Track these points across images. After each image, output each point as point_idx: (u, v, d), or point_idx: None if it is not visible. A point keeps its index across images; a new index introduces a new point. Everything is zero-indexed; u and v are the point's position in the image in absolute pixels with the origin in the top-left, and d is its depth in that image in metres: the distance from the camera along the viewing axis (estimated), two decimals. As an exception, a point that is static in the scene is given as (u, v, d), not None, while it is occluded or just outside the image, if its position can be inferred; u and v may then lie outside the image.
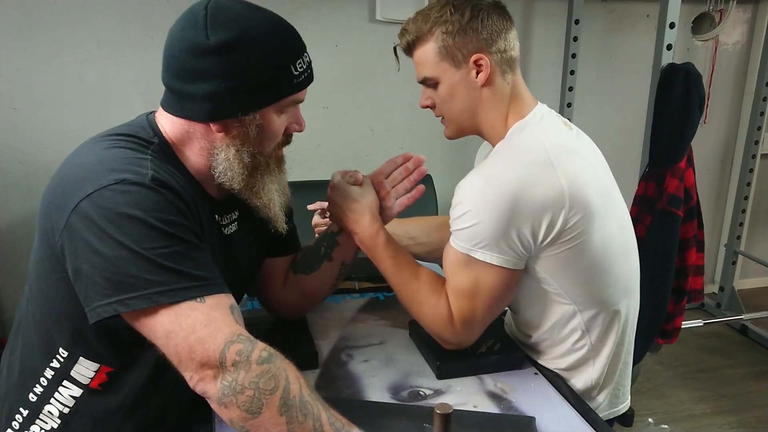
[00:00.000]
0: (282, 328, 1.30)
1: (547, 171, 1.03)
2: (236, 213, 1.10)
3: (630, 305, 1.19)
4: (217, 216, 1.06)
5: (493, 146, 1.16)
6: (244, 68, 0.90)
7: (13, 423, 1.00)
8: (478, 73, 1.10)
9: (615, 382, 1.21)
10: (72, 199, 0.85)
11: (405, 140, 2.80)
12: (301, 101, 1.01)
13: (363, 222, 1.16)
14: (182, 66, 0.91)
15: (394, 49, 1.19)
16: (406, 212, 1.36)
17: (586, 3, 2.75)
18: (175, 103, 0.96)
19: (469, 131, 1.19)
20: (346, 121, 2.72)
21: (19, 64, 2.32)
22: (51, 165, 2.33)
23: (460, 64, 1.10)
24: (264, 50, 0.91)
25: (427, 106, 1.19)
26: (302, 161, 2.67)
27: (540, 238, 1.04)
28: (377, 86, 2.70)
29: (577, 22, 2.74)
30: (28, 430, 0.99)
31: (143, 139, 0.96)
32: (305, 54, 0.98)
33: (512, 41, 1.12)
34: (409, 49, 1.15)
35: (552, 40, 2.87)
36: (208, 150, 0.97)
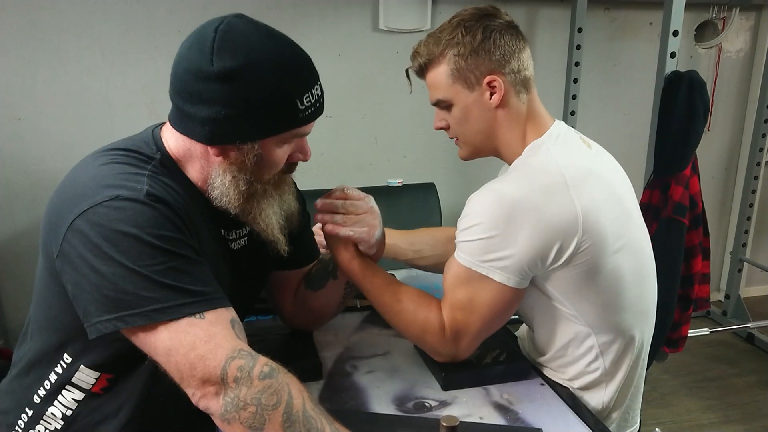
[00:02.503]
0: (286, 340, 1.30)
1: (561, 193, 1.01)
2: (246, 228, 1.09)
3: (645, 330, 1.17)
4: (223, 230, 1.05)
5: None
6: (244, 98, 0.88)
7: (19, 422, 1.01)
8: (491, 94, 1.09)
9: (626, 406, 1.19)
10: (68, 216, 0.85)
11: (408, 149, 2.80)
12: (306, 134, 0.99)
13: (337, 249, 1.14)
14: (185, 87, 0.91)
15: (407, 71, 1.17)
16: (411, 221, 1.36)
17: (588, 11, 2.76)
18: (178, 120, 0.95)
19: (486, 152, 1.17)
20: (349, 130, 2.73)
21: (23, 73, 2.33)
22: (55, 175, 2.34)
23: (473, 86, 1.09)
24: (268, 82, 0.89)
25: (441, 128, 1.17)
26: (305, 170, 2.63)
27: (549, 261, 1.02)
28: (380, 95, 2.71)
29: (580, 30, 2.74)
30: (33, 429, 1.00)
31: (144, 154, 0.95)
32: (316, 87, 0.95)
33: (526, 61, 1.11)
34: (422, 72, 1.14)
35: (555, 48, 2.88)
36: (207, 170, 0.97)
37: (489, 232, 1.01)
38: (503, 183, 1.05)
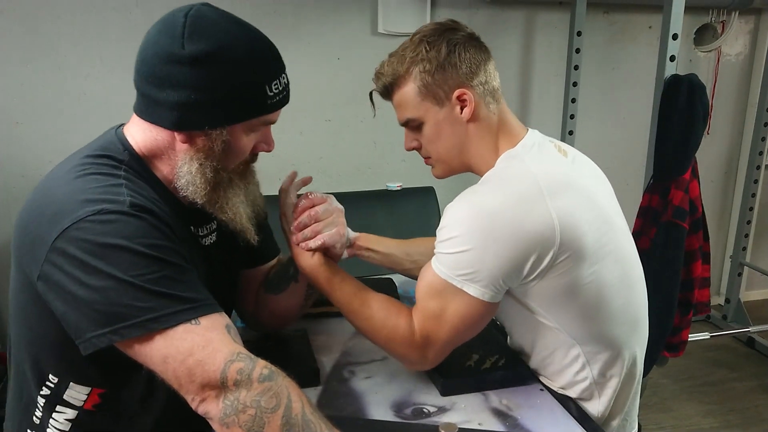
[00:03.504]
0: (283, 345, 1.29)
1: (538, 204, 0.98)
2: (214, 223, 1.08)
3: (635, 339, 1.15)
4: (192, 227, 1.04)
5: None
6: (215, 83, 0.89)
7: None
8: (462, 108, 1.07)
9: (624, 413, 1.17)
10: (48, 236, 0.83)
11: (407, 153, 2.77)
12: (273, 122, 0.99)
13: (302, 257, 1.13)
14: (153, 71, 0.90)
15: (370, 94, 1.16)
16: (410, 226, 1.35)
17: (588, 15, 2.76)
18: (144, 107, 0.94)
19: (459, 169, 1.15)
20: (348, 134, 2.72)
21: (22, 78, 2.33)
22: (53, 179, 2.30)
23: (442, 101, 1.07)
24: (238, 67, 0.89)
25: (413, 149, 1.16)
26: (304, 174, 2.66)
27: (524, 273, 1.00)
28: (380, 99, 2.70)
29: (579, 33, 2.74)
30: None
31: (113, 157, 0.94)
32: (283, 76, 0.96)
33: (492, 72, 1.10)
34: (387, 93, 1.12)
35: (554, 52, 2.88)
36: (174, 162, 0.96)
37: (464, 245, 0.99)
38: (479, 195, 1.02)
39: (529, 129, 1.14)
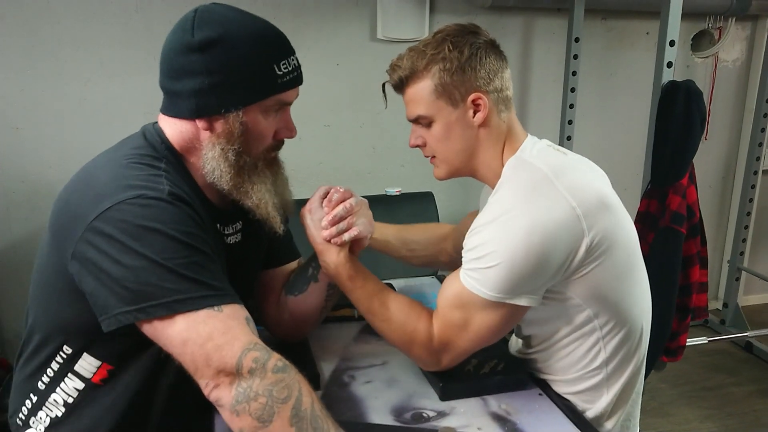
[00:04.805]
0: (283, 349, 1.28)
1: (562, 207, 0.99)
2: (240, 224, 1.12)
3: (645, 327, 1.16)
4: (219, 225, 1.07)
5: (490, 186, 1.13)
6: (225, 65, 0.93)
7: (23, 408, 1.04)
8: (475, 113, 1.08)
9: (626, 412, 1.17)
10: (87, 215, 0.87)
11: (406, 158, 2.81)
12: (288, 103, 1.02)
13: (328, 253, 1.13)
14: (171, 65, 0.96)
15: (383, 86, 1.16)
16: (406, 219, 1.36)
17: (586, 21, 2.77)
18: (167, 104, 1.00)
19: (463, 172, 1.15)
20: (347, 139, 2.73)
21: (22, 83, 2.33)
22: (53, 184, 2.34)
23: (457, 103, 1.07)
24: (246, 48, 0.94)
25: (417, 146, 1.15)
26: (304, 179, 2.66)
27: (563, 273, 1.02)
28: (378, 104, 2.69)
29: (577, 40, 2.76)
30: (35, 415, 1.03)
31: (156, 149, 0.99)
32: (292, 57, 1.00)
33: (507, 80, 1.10)
34: (401, 86, 1.11)
35: (552, 58, 2.89)
36: (200, 151, 0.99)
37: (512, 268, 0.98)
38: (512, 216, 1.00)
39: (528, 134, 1.15)
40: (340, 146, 2.73)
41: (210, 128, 0.97)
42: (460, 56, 1.05)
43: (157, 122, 1.03)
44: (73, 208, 0.91)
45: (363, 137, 2.75)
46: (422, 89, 1.08)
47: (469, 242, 1.05)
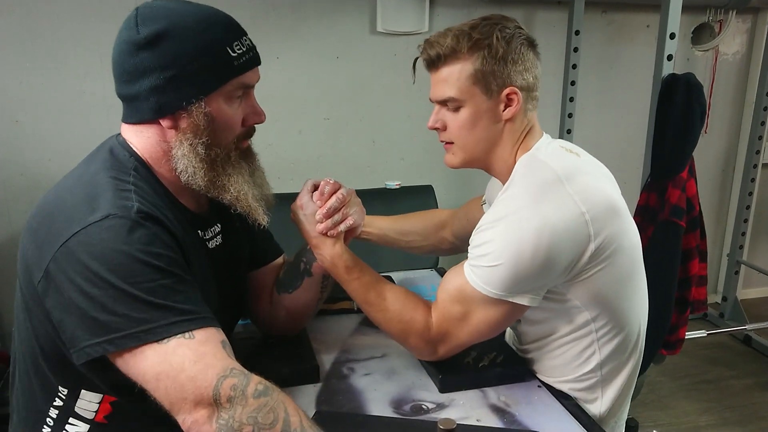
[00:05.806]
0: (283, 343, 1.29)
1: (570, 209, 0.99)
2: (219, 226, 1.09)
3: (642, 332, 1.16)
4: (200, 232, 1.04)
5: (501, 181, 1.13)
6: (177, 56, 0.90)
7: None
8: (506, 107, 1.06)
9: (617, 417, 1.18)
10: (58, 239, 0.84)
11: (406, 151, 2.80)
12: (250, 86, 0.98)
13: (324, 246, 1.13)
14: (123, 69, 0.92)
15: (414, 61, 1.12)
16: (405, 213, 1.35)
17: (586, 14, 2.77)
18: (128, 111, 0.96)
19: (477, 164, 1.13)
20: (347, 133, 2.73)
21: (21, 76, 2.33)
22: (53, 177, 2.33)
23: (492, 93, 1.05)
24: (195, 35, 0.90)
25: (436, 129, 1.12)
26: (303, 172, 2.67)
27: (569, 274, 1.03)
28: (378, 98, 2.71)
29: (577, 33, 2.75)
30: None
31: (122, 162, 0.95)
32: (245, 38, 0.96)
33: (539, 80, 1.09)
34: (435, 64, 1.07)
35: (552, 50, 2.88)
36: (169, 154, 0.95)
37: (518, 268, 0.99)
38: (521, 216, 1.00)
39: (544, 133, 1.14)
40: (339, 139, 2.73)
41: (175, 126, 0.93)
42: (507, 47, 1.03)
43: (120, 134, 0.99)
44: (43, 234, 0.87)
45: (363, 130, 2.75)
46: (459, 71, 1.05)
47: (476, 238, 1.05)
